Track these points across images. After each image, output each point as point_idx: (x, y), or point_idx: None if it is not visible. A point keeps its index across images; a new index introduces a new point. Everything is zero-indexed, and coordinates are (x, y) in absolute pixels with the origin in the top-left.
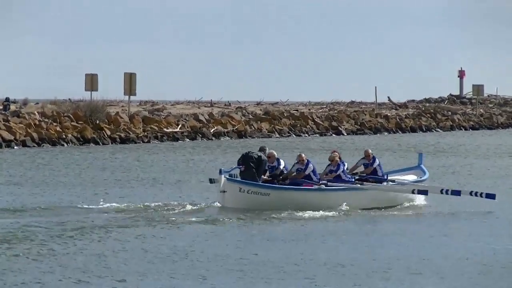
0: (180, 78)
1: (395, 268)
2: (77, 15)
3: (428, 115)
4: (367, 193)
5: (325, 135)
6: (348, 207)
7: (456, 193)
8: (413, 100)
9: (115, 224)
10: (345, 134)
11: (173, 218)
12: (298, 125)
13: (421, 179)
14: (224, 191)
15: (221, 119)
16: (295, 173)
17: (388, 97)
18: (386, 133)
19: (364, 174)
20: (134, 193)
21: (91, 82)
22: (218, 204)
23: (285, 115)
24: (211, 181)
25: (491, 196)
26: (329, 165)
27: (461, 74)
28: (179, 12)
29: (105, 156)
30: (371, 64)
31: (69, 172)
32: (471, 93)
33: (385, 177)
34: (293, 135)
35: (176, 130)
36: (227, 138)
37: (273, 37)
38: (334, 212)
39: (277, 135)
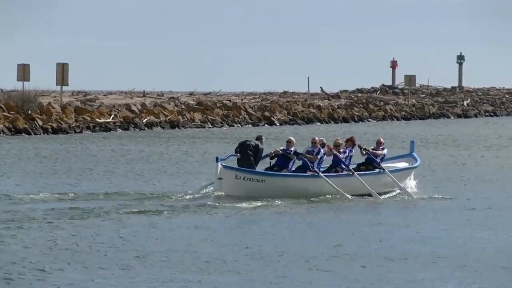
0: (113, 69)
1: (395, 256)
2: (9, 4)
3: (360, 105)
4: (358, 181)
5: (258, 125)
6: (340, 194)
7: None
8: (345, 91)
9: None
10: (278, 124)
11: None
12: (231, 116)
13: (413, 165)
14: (220, 178)
15: (154, 109)
16: (310, 156)
17: (321, 88)
18: (318, 124)
19: (372, 156)
20: (86, 182)
21: (23, 72)
22: (216, 191)
23: (218, 105)
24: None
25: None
26: (311, 147)
27: (394, 64)
28: (109, 2)
29: (36, 146)
30: (303, 55)
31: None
32: (403, 83)
33: (379, 165)
34: (226, 126)
35: (108, 120)
36: (160, 128)
37: (206, 27)
38: (327, 198)
39: (210, 126)
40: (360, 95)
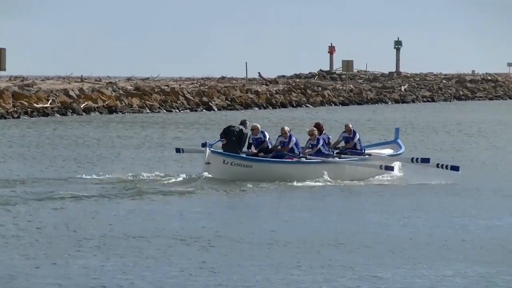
0: (50, 54)
1: (381, 242)
2: None
3: (298, 90)
4: (342, 166)
5: (196, 110)
6: (325, 179)
7: (426, 161)
8: (283, 76)
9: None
10: (216, 109)
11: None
12: (169, 101)
13: (397, 152)
14: (208, 163)
15: (92, 94)
16: (279, 146)
17: (259, 73)
18: (256, 109)
19: (344, 148)
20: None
21: None
22: (205, 175)
23: (156, 90)
24: (177, 150)
25: (455, 168)
26: (309, 140)
27: (331, 50)
28: None
29: None
30: (241, 40)
31: None
32: (341, 68)
33: (363, 151)
34: (164, 111)
35: (46, 105)
36: (98, 113)
37: (144, 12)
38: (311, 184)
39: (148, 111)
40: (298, 80)
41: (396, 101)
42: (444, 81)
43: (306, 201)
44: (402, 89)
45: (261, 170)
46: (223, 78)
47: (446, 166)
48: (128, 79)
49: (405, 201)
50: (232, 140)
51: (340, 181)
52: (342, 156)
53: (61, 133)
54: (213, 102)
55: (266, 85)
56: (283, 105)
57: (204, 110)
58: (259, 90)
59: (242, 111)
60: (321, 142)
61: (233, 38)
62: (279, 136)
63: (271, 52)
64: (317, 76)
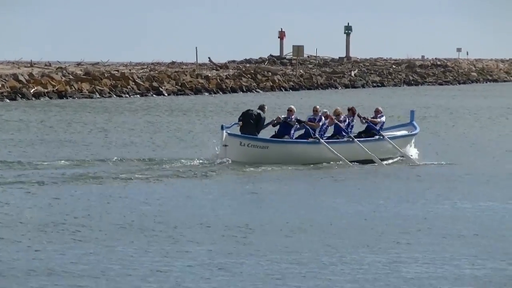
0: None
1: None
2: None
3: (248, 75)
4: (358, 147)
5: (146, 95)
6: (342, 160)
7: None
8: (233, 61)
9: None
10: (166, 94)
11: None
12: (119, 86)
13: (412, 133)
14: (225, 145)
15: (41, 79)
16: (312, 123)
17: (209, 58)
18: (206, 94)
19: (371, 123)
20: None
21: None
22: (221, 157)
23: (106, 75)
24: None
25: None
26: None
27: (281, 35)
28: None
29: None
30: (191, 24)
31: None
32: (291, 54)
33: (379, 132)
34: (114, 96)
35: None
36: (48, 98)
37: None
38: (328, 165)
39: (98, 96)
40: (248, 65)
41: (346, 86)
42: (394, 66)
43: (322, 182)
44: (352, 74)
45: (277, 151)
46: (173, 63)
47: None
48: (78, 64)
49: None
50: (250, 123)
51: (356, 162)
52: (359, 139)
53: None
54: (163, 87)
55: (216, 70)
56: (233, 90)
57: (154, 95)
58: (209, 75)
59: (192, 96)
60: (322, 120)
61: (183, 23)
62: (310, 115)
63: (221, 37)
64: (267, 61)
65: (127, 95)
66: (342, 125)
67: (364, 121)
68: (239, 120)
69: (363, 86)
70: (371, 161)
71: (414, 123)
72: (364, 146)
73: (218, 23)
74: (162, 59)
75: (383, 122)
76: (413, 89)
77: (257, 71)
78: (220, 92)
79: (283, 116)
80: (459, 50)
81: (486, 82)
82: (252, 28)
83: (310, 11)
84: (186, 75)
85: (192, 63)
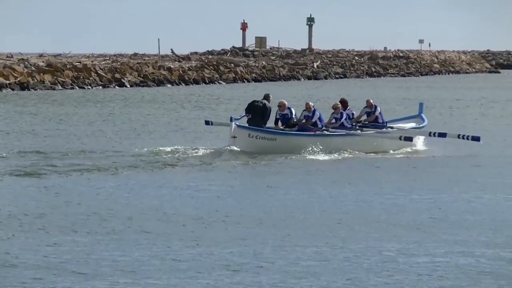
0: None
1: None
2: None
3: (211, 67)
4: (364, 138)
5: (108, 87)
6: (347, 152)
7: (443, 135)
8: (196, 53)
9: None
10: (128, 86)
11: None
12: (81, 77)
13: (420, 125)
14: (234, 137)
15: (3, 70)
16: (304, 120)
17: (171, 50)
18: (169, 85)
19: (367, 122)
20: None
21: None
22: (231, 148)
23: (68, 67)
24: (207, 123)
25: (476, 138)
26: (333, 113)
27: (244, 26)
28: None
29: None
30: (153, 16)
31: None
32: (254, 45)
33: (385, 124)
34: (76, 87)
35: None
36: (10, 90)
37: None
38: (333, 156)
39: (60, 87)
40: (210, 57)
41: (309, 78)
42: (357, 58)
43: (328, 174)
44: (315, 66)
45: (285, 143)
46: (135, 54)
47: (467, 137)
48: (40, 55)
49: (429, 174)
50: (256, 114)
51: (362, 153)
52: (364, 129)
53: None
54: (125, 79)
55: (179, 61)
56: (195, 82)
57: (116, 87)
58: (172, 66)
59: (155, 87)
60: (344, 116)
61: (145, 14)
62: (303, 110)
63: (184, 28)
64: (229, 53)
65: (89, 87)
66: (344, 122)
67: (364, 124)
68: (246, 112)
69: (325, 78)
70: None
71: (423, 115)
72: (374, 138)
73: (181, 15)
74: (124, 51)
75: (380, 112)
76: (375, 81)
77: (219, 62)
78: (183, 84)
79: (278, 113)
80: (421, 41)
81: (448, 74)
82: (215, 19)
83: (272, 3)
84: (148, 66)
85: (155, 55)
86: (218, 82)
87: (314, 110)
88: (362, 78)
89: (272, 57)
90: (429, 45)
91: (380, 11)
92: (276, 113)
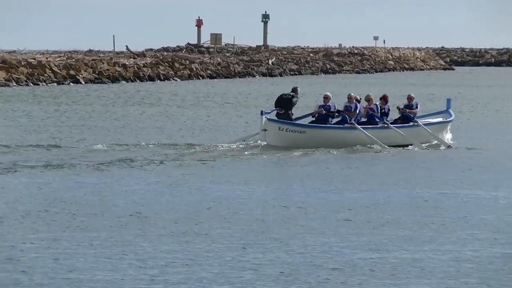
0: None
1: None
2: None
3: (166, 64)
4: (393, 133)
5: (63, 83)
6: (377, 145)
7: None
8: (151, 49)
9: None
10: (83, 83)
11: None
12: (36, 74)
13: (448, 120)
14: (265, 130)
15: None
16: (350, 112)
17: (126, 46)
18: (124, 82)
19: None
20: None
21: None
22: (261, 141)
23: (23, 63)
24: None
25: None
26: (351, 104)
27: (199, 23)
28: None
29: None
30: (109, 13)
31: None
32: (209, 42)
33: (413, 119)
34: (31, 84)
35: None
36: None
37: None
38: (363, 148)
39: (15, 84)
40: (165, 53)
41: (264, 75)
42: (312, 55)
43: (357, 167)
44: (270, 63)
45: (314, 136)
46: (90, 51)
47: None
48: None
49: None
50: (284, 107)
51: (391, 147)
52: (391, 125)
53: None
54: (80, 75)
55: (134, 58)
56: (150, 79)
57: (71, 83)
58: (127, 63)
59: (110, 84)
60: (358, 107)
61: (100, 11)
62: (345, 103)
63: (139, 25)
64: (184, 50)
65: (44, 83)
66: (375, 113)
67: (401, 111)
68: (276, 105)
69: (280, 75)
70: (406, 145)
71: (450, 110)
72: (400, 131)
73: (136, 12)
74: (79, 47)
75: (417, 109)
76: (330, 78)
77: (174, 59)
78: (138, 80)
79: (321, 103)
80: (376, 38)
81: (403, 71)
82: (170, 16)
83: None
84: (103, 63)
85: (110, 51)
86: (173, 79)
87: (356, 105)
88: (317, 75)
89: (227, 54)
90: (384, 42)
91: (335, 8)
92: (317, 106)
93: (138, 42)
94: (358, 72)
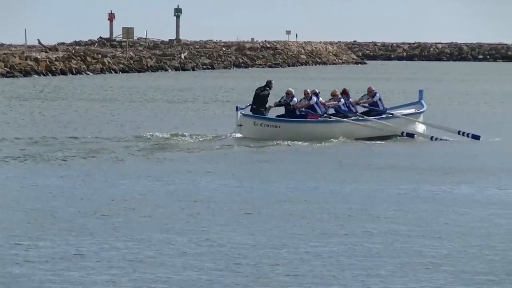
0: None
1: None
2: None
3: (78, 58)
4: (367, 125)
5: None
6: (347, 138)
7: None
8: (63, 43)
9: None
10: None
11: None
12: None
13: (420, 111)
14: (240, 125)
15: None
16: (302, 104)
17: (38, 40)
18: (36, 76)
19: (367, 105)
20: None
21: None
22: (237, 135)
23: None
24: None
25: (476, 137)
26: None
27: (111, 17)
28: None
29: None
30: (20, 6)
31: None
32: (121, 36)
33: (385, 111)
34: None
35: None
36: None
37: None
38: (334, 142)
39: None
40: (78, 47)
41: (176, 69)
42: (224, 49)
43: (331, 159)
44: (182, 57)
45: (288, 130)
46: (1, 45)
47: (468, 134)
48: None
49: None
50: (258, 102)
51: (363, 140)
52: (366, 116)
53: None
54: None
55: (46, 52)
56: (63, 72)
57: None
58: (39, 57)
59: (22, 78)
60: (313, 100)
61: (11, 4)
62: (302, 98)
63: (51, 19)
64: (97, 44)
65: None
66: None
67: (363, 105)
68: (253, 103)
69: (193, 69)
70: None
71: (422, 101)
72: (378, 123)
73: (48, 5)
74: None
75: (379, 98)
76: (242, 72)
77: (86, 53)
78: (50, 74)
79: (283, 99)
80: (288, 32)
81: (315, 65)
82: (82, 10)
83: None
84: (15, 57)
85: (21, 45)
86: (86, 73)
87: (311, 97)
88: (230, 69)
89: (140, 48)
90: (296, 36)
91: (247, 1)
92: (282, 100)
93: (50, 36)
94: (270, 66)
